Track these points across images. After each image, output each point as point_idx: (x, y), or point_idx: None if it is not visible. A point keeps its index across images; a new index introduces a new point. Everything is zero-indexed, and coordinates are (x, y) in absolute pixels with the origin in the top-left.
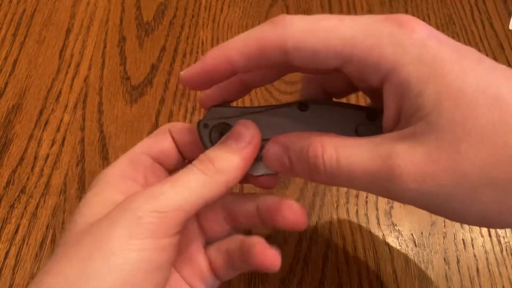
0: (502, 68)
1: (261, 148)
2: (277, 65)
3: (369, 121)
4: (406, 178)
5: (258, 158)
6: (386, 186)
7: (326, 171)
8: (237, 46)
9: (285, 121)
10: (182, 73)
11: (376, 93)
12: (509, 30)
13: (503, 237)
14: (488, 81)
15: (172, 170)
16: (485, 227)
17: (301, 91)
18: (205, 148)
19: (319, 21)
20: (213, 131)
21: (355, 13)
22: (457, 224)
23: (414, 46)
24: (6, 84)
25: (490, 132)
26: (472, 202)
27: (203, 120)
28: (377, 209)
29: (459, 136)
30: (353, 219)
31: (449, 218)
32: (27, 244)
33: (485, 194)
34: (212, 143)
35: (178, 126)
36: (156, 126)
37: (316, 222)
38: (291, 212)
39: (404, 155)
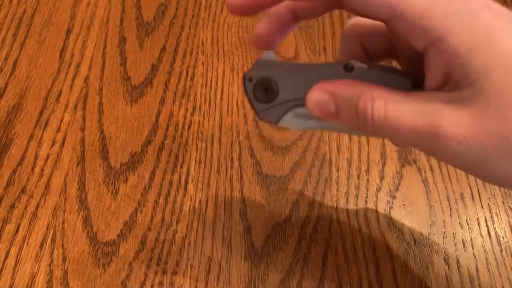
0: None
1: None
2: None
3: (413, 88)
4: (449, 139)
5: (297, 114)
6: (430, 144)
7: (373, 123)
8: None
9: (330, 80)
10: (258, 43)
11: (414, 58)
12: None
13: (503, 237)
14: None
15: None
16: None
17: (340, 48)
18: (250, 102)
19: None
20: (257, 87)
21: None
22: (457, 224)
23: (466, 17)
24: (7, 84)
25: None
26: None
27: (248, 73)
28: (377, 209)
29: (506, 101)
30: (353, 219)
31: (486, 180)
32: (27, 244)
33: None
34: (257, 98)
35: None
36: (156, 126)
37: (316, 222)
38: None
39: (450, 117)
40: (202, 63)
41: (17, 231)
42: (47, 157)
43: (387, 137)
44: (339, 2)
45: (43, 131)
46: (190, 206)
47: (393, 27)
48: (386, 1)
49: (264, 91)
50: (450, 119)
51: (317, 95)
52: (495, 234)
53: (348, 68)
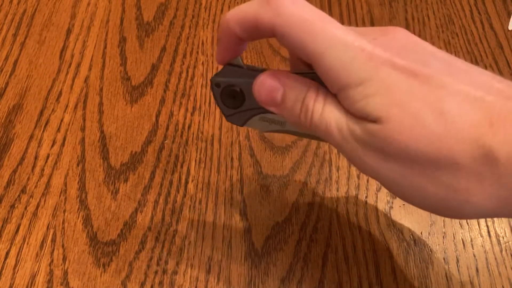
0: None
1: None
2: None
3: None
4: (354, 146)
5: (263, 118)
6: (342, 147)
7: (312, 117)
8: (236, 19)
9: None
10: (217, 60)
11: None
12: (509, 30)
13: (503, 237)
14: (435, 97)
15: None
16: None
17: (291, 66)
18: (218, 106)
19: (312, 16)
20: (224, 93)
21: (355, 13)
22: (457, 224)
23: (365, 71)
24: (7, 84)
25: (435, 140)
26: (417, 192)
27: (215, 78)
28: (376, 209)
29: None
30: (353, 219)
31: (358, 167)
32: (27, 244)
33: (430, 189)
34: (224, 104)
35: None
36: (156, 126)
37: (316, 222)
38: None
39: (356, 133)
40: (202, 63)
41: (17, 231)
42: (47, 157)
43: (321, 136)
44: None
45: (43, 131)
46: (190, 206)
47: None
48: (305, 53)
49: (231, 98)
50: (356, 135)
51: (268, 82)
52: (495, 234)
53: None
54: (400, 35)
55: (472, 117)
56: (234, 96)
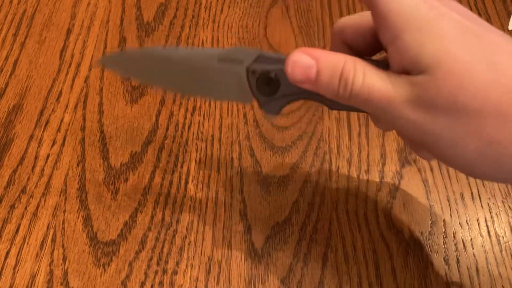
0: (501, 43)
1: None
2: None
3: None
4: (398, 107)
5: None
6: (384, 110)
7: (352, 90)
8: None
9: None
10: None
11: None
12: (509, 30)
13: (503, 237)
14: (487, 50)
15: None
16: (467, 173)
17: (331, 50)
18: (252, 94)
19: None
20: (260, 80)
21: (354, 12)
22: (457, 224)
23: (420, 19)
24: (7, 84)
25: (484, 89)
26: (457, 146)
27: (250, 66)
28: (376, 209)
29: (454, 87)
30: (353, 219)
31: (435, 155)
32: (27, 244)
33: (471, 143)
34: (260, 91)
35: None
36: (156, 126)
37: (316, 222)
38: None
39: (402, 93)
40: None
41: (17, 231)
42: (47, 157)
43: (359, 105)
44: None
45: (44, 131)
46: (190, 206)
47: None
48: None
49: (266, 85)
50: (401, 94)
51: (301, 58)
52: (495, 234)
53: None
54: (454, 4)
55: None
56: (269, 83)
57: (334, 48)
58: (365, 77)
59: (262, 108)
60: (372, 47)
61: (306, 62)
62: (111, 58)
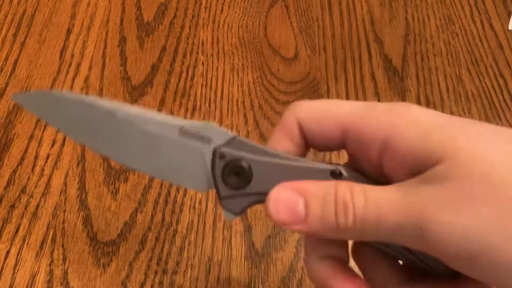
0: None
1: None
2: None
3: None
4: (437, 219)
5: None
6: (417, 231)
7: (355, 216)
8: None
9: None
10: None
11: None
12: (509, 30)
13: None
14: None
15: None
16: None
17: (275, 134)
18: (215, 183)
19: (324, 102)
20: (228, 168)
21: (355, 13)
22: None
23: (408, 116)
24: (7, 84)
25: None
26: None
27: (220, 147)
28: None
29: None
30: None
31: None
32: (27, 244)
33: None
34: (224, 181)
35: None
36: None
37: None
38: None
39: (431, 196)
40: (202, 63)
41: (17, 231)
42: (47, 157)
43: (369, 234)
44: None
45: (43, 131)
46: (190, 206)
47: (349, 148)
48: (333, 121)
49: (235, 175)
50: (432, 198)
51: (284, 194)
52: None
53: (336, 175)
54: None
55: None
56: (239, 174)
57: (278, 139)
58: (367, 194)
59: (222, 202)
60: (332, 143)
61: (290, 197)
62: (29, 97)
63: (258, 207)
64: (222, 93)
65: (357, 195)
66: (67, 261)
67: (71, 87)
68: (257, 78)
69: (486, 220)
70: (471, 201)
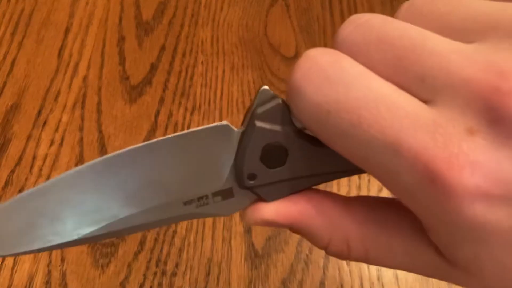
0: None
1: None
2: None
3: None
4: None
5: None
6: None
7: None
8: None
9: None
10: None
11: None
12: None
13: None
14: None
15: None
16: None
17: None
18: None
19: None
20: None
21: (356, 12)
22: None
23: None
24: (5, 83)
25: None
26: None
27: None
28: None
29: None
30: None
31: None
32: None
33: None
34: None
35: None
36: (155, 125)
37: None
38: None
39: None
40: (202, 62)
41: None
42: (46, 157)
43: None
44: None
45: (42, 131)
46: None
47: None
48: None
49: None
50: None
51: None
52: None
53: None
54: None
55: None
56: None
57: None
58: (367, 249)
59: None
60: None
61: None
62: None
63: None
64: (222, 93)
65: (355, 250)
66: (65, 262)
67: (70, 87)
68: (257, 77)
69: None
70: None
